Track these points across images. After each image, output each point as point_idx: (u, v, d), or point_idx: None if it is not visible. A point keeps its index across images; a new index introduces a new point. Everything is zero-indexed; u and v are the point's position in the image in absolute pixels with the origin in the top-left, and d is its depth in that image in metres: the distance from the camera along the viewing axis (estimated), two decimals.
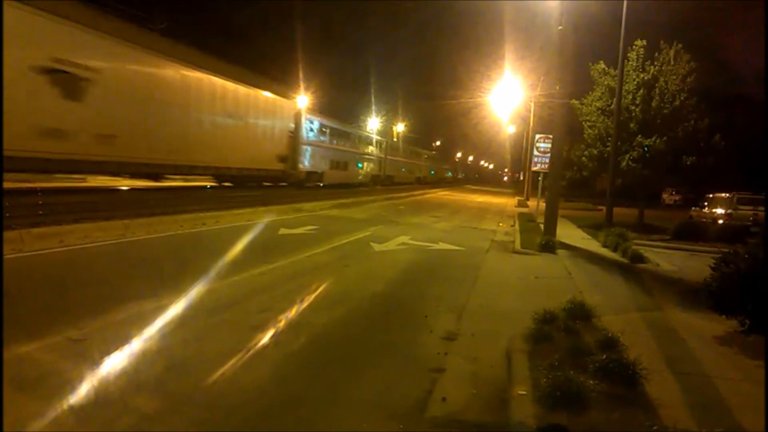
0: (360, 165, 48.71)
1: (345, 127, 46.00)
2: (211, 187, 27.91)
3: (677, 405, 4.21)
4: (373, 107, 63.20)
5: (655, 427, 3.60)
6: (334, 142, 41.61)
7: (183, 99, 23.06)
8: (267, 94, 30.74)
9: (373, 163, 53.56)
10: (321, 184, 37.25)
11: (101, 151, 18.48)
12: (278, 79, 31.96)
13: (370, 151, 52.47)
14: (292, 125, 33.75)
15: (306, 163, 35.60)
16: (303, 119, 35.00)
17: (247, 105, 28.48)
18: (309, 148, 36.07)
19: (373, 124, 62.21)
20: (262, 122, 30.11)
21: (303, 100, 37.35)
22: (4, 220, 9.63)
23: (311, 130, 36.49)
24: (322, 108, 37.30)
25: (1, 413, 3.44)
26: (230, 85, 26.62)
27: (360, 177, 48.46)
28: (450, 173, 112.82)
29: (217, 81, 25.62)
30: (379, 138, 56.35)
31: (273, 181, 32.41)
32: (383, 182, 54.63)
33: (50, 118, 16.46)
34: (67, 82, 16.94)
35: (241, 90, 27.70)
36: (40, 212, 12.72)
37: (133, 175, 23.42)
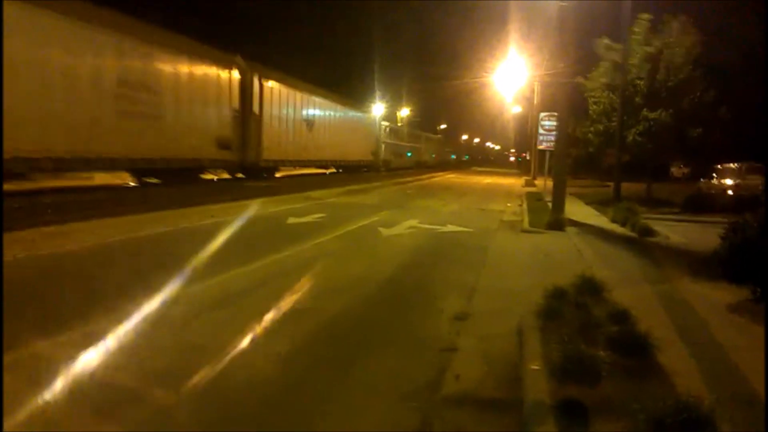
0: (408, 154, 65.94)
1: (400, 127, 64.06)
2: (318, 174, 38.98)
3: (690, 374, 4.22)
4: (377, 92, 65.02)
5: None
6: (395, 139, 59.21)
7: (335, 122, 39.17)
8: (365, 114, 47.97)
9: (415, 152, 69.22)
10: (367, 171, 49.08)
11: (316, 155, 35.56)
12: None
13: (413, 143, 68.51)
14: (376, 129, 50.74)
15: (382, 155, 52.61)
16: (380, 125, 52.35)
17: (358, 121, 45.46)
18: (383, 145, 53.05)
19: (376, 109, 63.36)
20: (363, 131, 47.00)
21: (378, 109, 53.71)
22: (3, 220, 9.57)
23: (383, 131, 53.39)
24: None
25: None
26: (355, 113, 44.50)
27: (409, 163, 64.13)
28: (467, 156, 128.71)
29: (350, 111, 43.07)
30: (417, 132, 72.68)
31: (366, 169, 46.26)
32: (421, 165, 67.57)
33: (304, 141, 32.99)
34: (308, 123, 33.66)
35: (354, 113, 44.45)
36: (49, 211, 12.83)
37: (317, 167, 37.88)
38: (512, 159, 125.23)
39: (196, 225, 12.28)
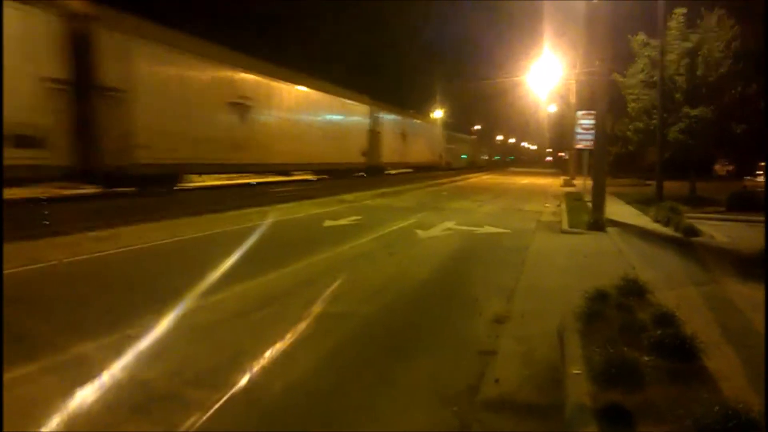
0: (463, 156, 78.18)
1: (456, 134, 75.03)
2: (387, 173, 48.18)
3: (738, 378, 4.10)
4: (436, 105, 72.10)
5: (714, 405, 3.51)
6: (453, 142, 70.90)
7: (416, 133, 52.48)
8: (433, 126, 61.87)
9: (467, 154, 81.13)
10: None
11: (406, 159, 49.44)
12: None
13: (465, 146, 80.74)
14: (440, 137, 63.31)
15: (445, 157, 64.75)
16: (443, 132, 65.16)
17: (429, 131, 59.11)
18: (445, 148, 65.55)
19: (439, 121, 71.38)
20: (433, 139, 60.10)
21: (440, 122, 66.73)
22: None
23: (445, 138, 65.64)
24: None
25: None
26: (427, 125, 59.07)
27: (463, 163, 75.39)
28: (512, 157, 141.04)
29: (424, 124, 57.85)
30: (467, 136, 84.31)
31: (433, 168, 55.99)
32: (471, 166, 77.87)
33: (400, 149, 47.69)
34: (402, 137, 48.08)
35: (427, 125, 58.86)
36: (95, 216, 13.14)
37: (405, 167, 50.08)
38: (549, 159, 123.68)
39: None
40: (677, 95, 19.37)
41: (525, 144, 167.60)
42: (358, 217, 15.22)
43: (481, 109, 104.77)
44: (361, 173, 38.92)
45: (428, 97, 71.11)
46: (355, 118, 37.69)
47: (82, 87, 16.13)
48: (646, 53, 20.50)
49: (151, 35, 18.90)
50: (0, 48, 12.18)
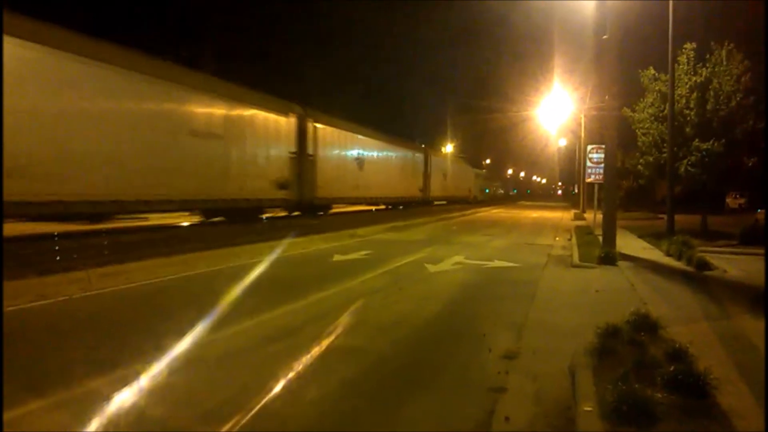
0: (486, 190, 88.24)
1: (479, 170, 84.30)
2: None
3: (751, 415, 4.02)
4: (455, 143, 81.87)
5: None
6: (478, 178, 79.88)
7: (453, 172, 62.76)
8: (465, 165, 72.32)
9: (488, 188, 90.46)
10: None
11: (445, 193, 58.62)
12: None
13: (485, 181, 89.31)
14: (470, 174, 73.94)
15: (473, 191, 73.17)
16: (472, 170, 75.71)
17: (462, 168, 69.37)
18: (474, 183, 75.02)
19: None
20: (463, 174, 69.17)
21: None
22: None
23: (471, 174, 74.78)
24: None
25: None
26: (459, 165, 68.17)
27: (486, 197, 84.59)
28: (528, 191, 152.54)
29: (457, 164, 67.08)
30: (484, 171, 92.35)
31: (464, 201, 64.49)
32: (492, 198, 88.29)
33: (442, 185, 57.59)
34: (444, 175, 58.16)
35: (459, 165, 68.24)
36: (106, 252, 13.24)
37: (444, 200, 58.32)
38: (559, 192, 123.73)
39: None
40: (687, 129, 19.36)
41: (535, 177, 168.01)
42: (368, 251, 15.22)
43: (491, 142, 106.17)
44: (418, 204, 49.21)
45: (439, 129, 74.14)
46: (416, 163, 48.97)
47: (300, 155, 27.31)
48: (656, 87, 20.59)
49: (323, 120, 30.31)
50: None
